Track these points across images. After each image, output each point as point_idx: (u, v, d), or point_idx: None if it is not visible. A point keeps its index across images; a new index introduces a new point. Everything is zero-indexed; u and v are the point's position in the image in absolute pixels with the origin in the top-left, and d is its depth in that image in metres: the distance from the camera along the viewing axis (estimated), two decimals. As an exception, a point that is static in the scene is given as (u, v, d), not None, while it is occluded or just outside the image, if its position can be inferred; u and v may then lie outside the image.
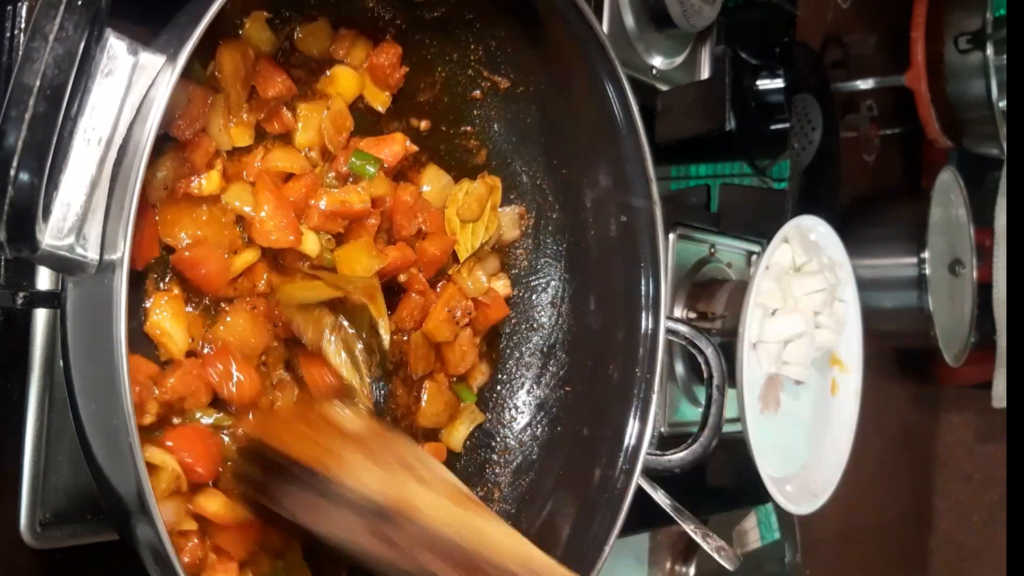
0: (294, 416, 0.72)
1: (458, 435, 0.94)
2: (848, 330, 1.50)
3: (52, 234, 0.56)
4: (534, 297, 0.98)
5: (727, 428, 0.96)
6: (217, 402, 0.72)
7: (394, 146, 0.85)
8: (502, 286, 0.96)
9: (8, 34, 0.77)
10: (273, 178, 0.76)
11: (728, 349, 1.27)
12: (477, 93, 0.93)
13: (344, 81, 0.83)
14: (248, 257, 0.74)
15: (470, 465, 0.96)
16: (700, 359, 0.93)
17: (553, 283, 0.98)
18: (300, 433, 0.68)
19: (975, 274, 2.21)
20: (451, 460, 0.95)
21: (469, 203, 0.92)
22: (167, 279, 0.72)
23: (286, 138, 0.80)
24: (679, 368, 1.40)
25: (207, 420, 0.71)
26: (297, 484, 0.65)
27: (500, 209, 0.96)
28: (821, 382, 1.51)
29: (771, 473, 1.35)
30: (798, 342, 1.35)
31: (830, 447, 1.49)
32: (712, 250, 1.45)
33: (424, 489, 0.65)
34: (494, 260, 0.97)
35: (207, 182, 0.71)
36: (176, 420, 0.70)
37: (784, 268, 1.40)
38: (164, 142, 0.70)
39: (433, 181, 0.91)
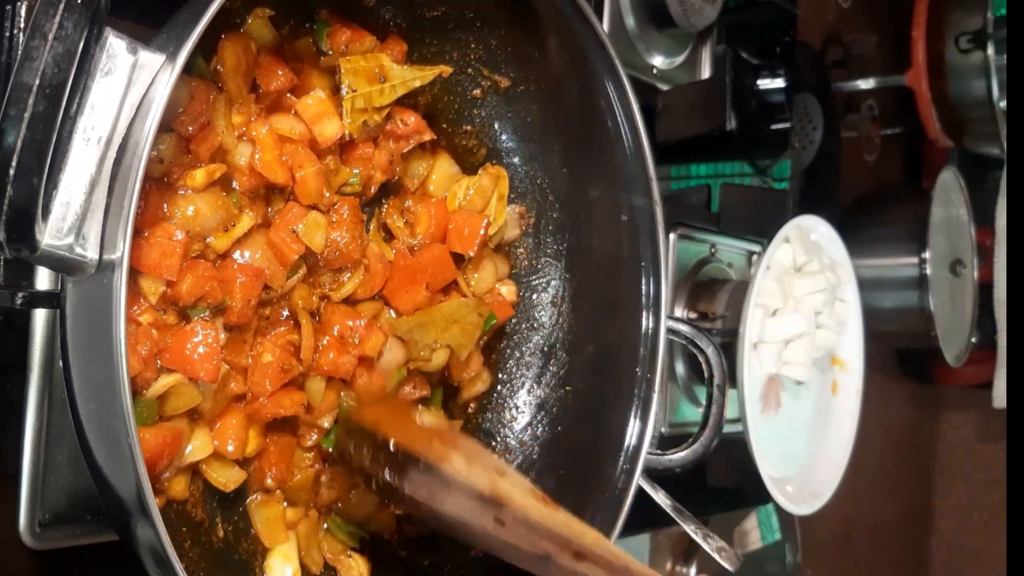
0: (390, 412, 0.80)
1: None
2: (849, 330, 1.50)
3: (51, 234, 0.56)
4: (535, 296, 0.98)
5: (728, 428, 0.96)
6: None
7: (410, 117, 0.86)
8: (507, 291, 0.96)
9: (8, 33, 0.77)
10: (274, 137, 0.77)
11: (729, 349, 1.27)
12: (477, 92, 0.93)
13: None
14: (244, 224, 0.74)
15: (470, 465, 0.96)
16: (701, 359, 0.92)
17: (554, 282, 0.98)
18: (407, 430, 0.77)
19: (976, 274, 2.21)
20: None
21: (472, 199, 0.92)
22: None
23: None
24: (680, 368, 1.40)
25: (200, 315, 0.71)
26: (414, 467, 0.74)
27: (500, 209, 0.96)
28: (822, 382, 1.51)
29: (772, 473, 1.35)
30: (799, 342, 1.35)
31: (831, 447, 1.49)
32: (713, 250, 1.45)
33: (516, 488, 0.75)
34: (504, 264, 0.97)
35: (190, 179, 0.71)
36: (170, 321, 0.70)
37: (785, 268, 1.40)
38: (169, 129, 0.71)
39: (442, 170, 0.92)
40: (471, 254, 0.90)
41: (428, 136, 0.88)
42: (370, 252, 0.84)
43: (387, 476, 0.74)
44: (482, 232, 0.90)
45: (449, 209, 0.91)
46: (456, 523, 0.74)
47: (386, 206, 0.89)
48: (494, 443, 0.96)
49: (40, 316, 0.82)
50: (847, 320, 1.48)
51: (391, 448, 0.75)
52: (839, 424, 1.50)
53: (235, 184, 0.75)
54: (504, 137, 0.95)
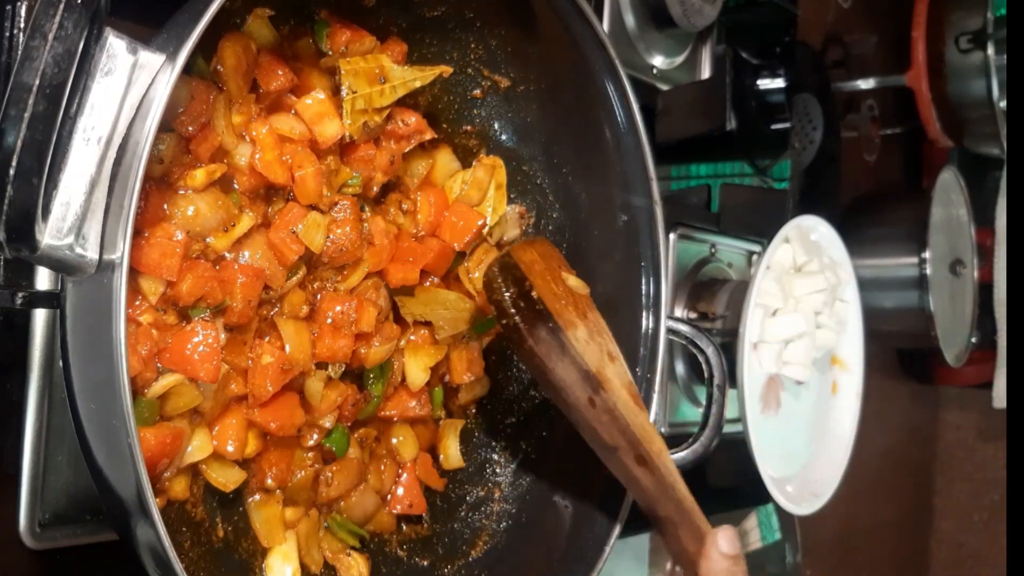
0: (543, 260, 0.83)
1: (452, 451, 0.94)
2: (849, 330, 1.50)
3: (51, 234, 0.56)
4: (535, 297, 0.98)
5: (728, 428, 0.96)
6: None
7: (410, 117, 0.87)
8: None
9: (8, 33, 0.77)
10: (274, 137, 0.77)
11: (729, 349, 1.27)
12: (477, 92, 0.93)
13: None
14: (244, 224, 0.74)
15: (471, 465, 0.96)
16: (701, 359, 0.92)
17: (554, 283, 0.98)
18: (551, 285, 0.81)
19: (976, 274, 2.21)
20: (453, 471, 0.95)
21: (468, 192, 0.92)
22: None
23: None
24: (679, 368, 1.40)
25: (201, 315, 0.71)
26: (542, 323, 0.79)
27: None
28: (822, 382, 1.51)
29: (772, 473, 1.35)
30: (799, 342, 1.35)
31: (831, 447, 1.49)
32: (713, 250, 1.45)
33: (616, 378, 0.81)
34: None
35: (190, 179, 0.71)
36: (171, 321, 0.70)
37: (785, 268, 1.40)
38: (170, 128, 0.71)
39: (443, 164, 0.93)
40: (456, 247, 0.90)
41: (429, 135, 0.88)
42: (374, 227, 0.84)
43: (519, 321, 0.78)
44: (475, 230, 0.90)
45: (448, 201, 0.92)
46: (557, 386, 0.79)
47: (388, 206, 0.89)
48: (494, 443, 0.96)
49: (40, 316, 0.82)
50: (847, 320, 1.48)
51: (533, 296, 0.79)
52: (839, 424, 1.50)
53: (235, 184, 0.75)
54: (504, 137, 0.95)
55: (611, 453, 0.80)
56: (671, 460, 0.81)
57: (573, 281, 0.84)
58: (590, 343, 0.80)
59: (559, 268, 0.85)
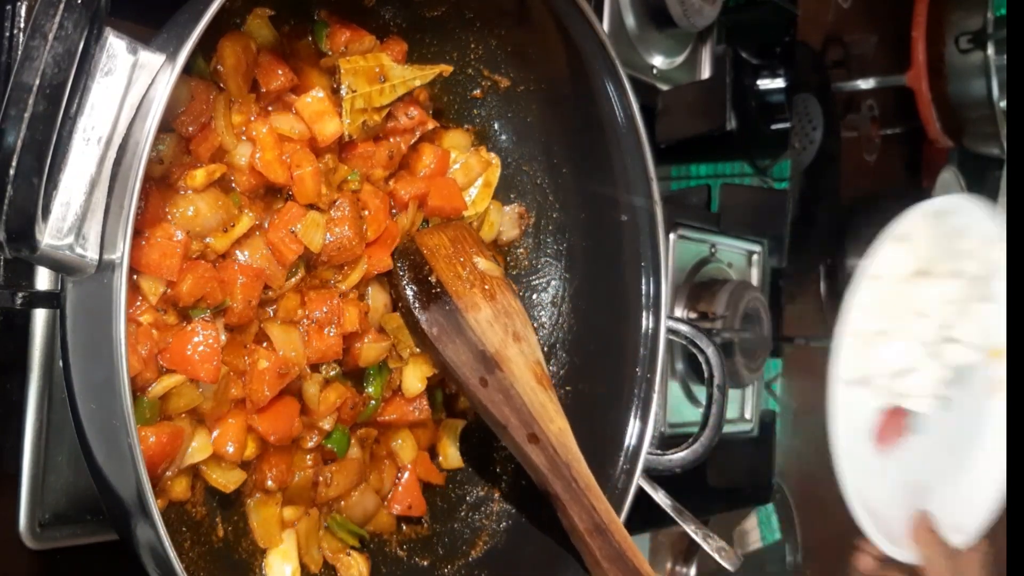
0: (452, 244, 0.86)
1: (452, 451, 0.94)
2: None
3: (52, 234, 0.56)
4: (534, 297, 0.98)
5: (728, 428, 0.96)
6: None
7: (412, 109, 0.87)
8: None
9: (8, 33, 0.77)
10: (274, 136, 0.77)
11: (729, 349, 1.27)
12: (477, 92, 0.93)
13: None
14: (244, 224, 0.74)
15: (470, 465, 0.96)
16: (701, 359, 0.92)
17: (553, 283, 0.98)
18: (456, 269, 0.84)
19: (976, 274, 2.20)
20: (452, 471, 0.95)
21: (456, 173, 0.92)
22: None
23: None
24: (680, 368, 1.40)
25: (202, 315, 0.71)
26: (438, 305, 0.82)
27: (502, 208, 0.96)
28: (969, 393, 1.30)
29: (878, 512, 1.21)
30: (917, 372, 1.19)
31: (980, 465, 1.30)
32: (713, 250, 1.45)
33: (520, 357, 0.84)
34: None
35: (190, 179, 0.71)
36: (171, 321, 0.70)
37: (901, 275, 1.21)
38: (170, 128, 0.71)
39: (454, 135, 0.94)
40: (429, 205, 0.89)
41: (432, 125, 0.88)
42: (364, 193, 0.83)
43: (412, 303, 0.83)
44: (455, 206, 0.90)
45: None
46: (448, 365, 0.83)
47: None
48: (496, 441, 0.96)
49: (40, 316, 0.82)
50: (992, 326, 1.27)
51: (431, 280, 0.83)
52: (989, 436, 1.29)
53: (235, 184, 0.75)
54: (504, 137, 0.95)
55: (502, 430, 0.83)
56: (571, 441, 0.83)
57: (484, 264, 0.86)
58: (493, 324, 0.84)
59: (472, 251, 0.87)
